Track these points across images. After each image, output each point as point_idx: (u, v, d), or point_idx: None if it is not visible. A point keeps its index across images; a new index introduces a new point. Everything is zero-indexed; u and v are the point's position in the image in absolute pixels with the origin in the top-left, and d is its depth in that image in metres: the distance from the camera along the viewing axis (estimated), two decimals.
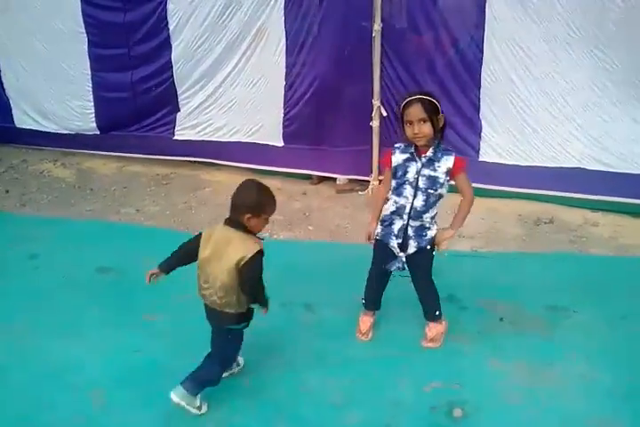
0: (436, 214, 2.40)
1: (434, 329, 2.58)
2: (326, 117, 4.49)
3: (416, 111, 2.19)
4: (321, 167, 4.60)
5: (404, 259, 2.42)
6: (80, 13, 4.57)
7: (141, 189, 4.57)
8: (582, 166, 3.87)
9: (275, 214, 3.95)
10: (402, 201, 2.35)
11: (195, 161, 4.97)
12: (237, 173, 4.78)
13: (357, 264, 2.67)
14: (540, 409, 2.19)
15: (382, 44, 4.08)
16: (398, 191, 2.35)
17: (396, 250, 2.42)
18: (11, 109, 5.20)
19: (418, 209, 2.33)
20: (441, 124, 2.26)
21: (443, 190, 2.32)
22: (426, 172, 2.28)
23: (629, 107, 3.68)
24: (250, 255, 2.01)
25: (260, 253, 2.04)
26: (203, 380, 2.18)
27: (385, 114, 4.25)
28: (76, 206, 4.26)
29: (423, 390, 2.30)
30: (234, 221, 2.08)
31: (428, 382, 2.33)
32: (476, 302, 2.90)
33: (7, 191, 4.54)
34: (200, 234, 2.15)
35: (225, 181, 4.69)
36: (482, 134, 4.10)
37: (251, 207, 2.04)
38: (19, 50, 4.93)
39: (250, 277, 2.04)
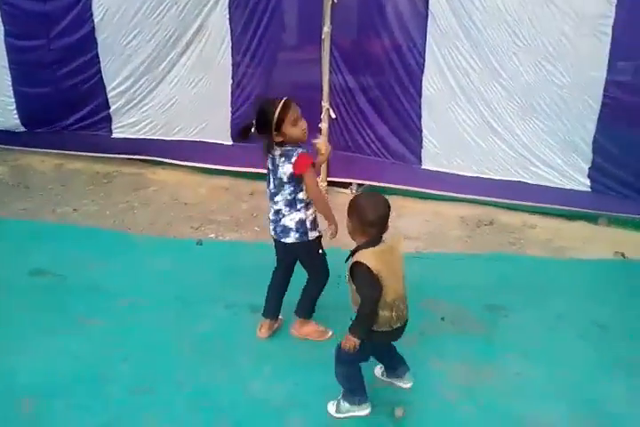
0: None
1: (303, 329, 2.65)
2: None
3: (297, 108, 2.31)
4: None
5: None
6: None
7: (80, 188, 4.40)
8: (523, 180, 3.98)
9: (221, 215, 4.00)
10: None
11: (139, 159, 4.83)
12: (183, 171, 4.70)
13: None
14: (478, 407, 2.24)
15: (331, 47, 4.10)
16: None
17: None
18: None
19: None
20: None
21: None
22: (281, 168, 2.38)
23: (574, 121, 3.71)
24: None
25: None
26: None
27: (334, 116, 4.27)
28: (9, 205, 4.05)
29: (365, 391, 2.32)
30: (380, 238, 2.03)
31: (370, 384, 2.35)
32: (419, 302, 2.94)
33: None
34: (375, 276, 1.92)
35: (170, 181, 4.58)
36: (423, 143, 4.17)
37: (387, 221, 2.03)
38: None
39: None
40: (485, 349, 2.60)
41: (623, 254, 3.50)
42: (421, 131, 4.14)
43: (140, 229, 3.74)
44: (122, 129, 4.69)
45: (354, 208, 1.98)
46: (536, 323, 2.80)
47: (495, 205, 4.12)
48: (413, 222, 3.93)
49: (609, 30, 3.45)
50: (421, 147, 4.20)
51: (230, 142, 4.63)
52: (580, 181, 3.87)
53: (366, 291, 1.93)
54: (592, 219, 3.92)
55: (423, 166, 4.24)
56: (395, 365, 2.31)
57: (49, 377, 2.34)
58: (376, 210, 1.94)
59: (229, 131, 4.59)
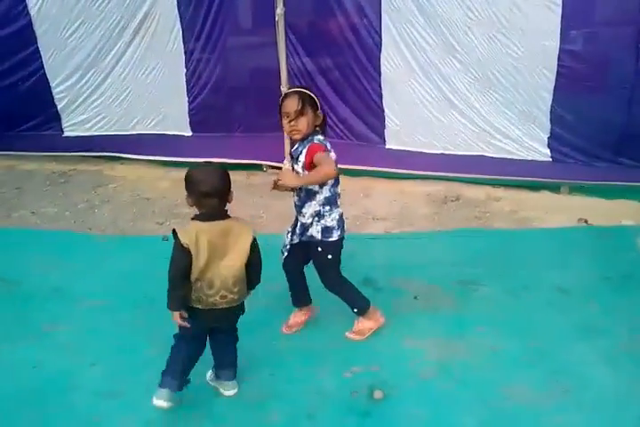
0: (318, 212, 2.29)
1: (359, 323, 2.55)
2: (235, 104, 4.40)
3: (293, 104, 2.15)
4: (234, 155, 4.48)
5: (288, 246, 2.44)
6: None
7: (37, 190, 4.24)
8: (485, 154, 4.01)
9: (186, 208, 3.89)
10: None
11: (95, 156, 4.68)
12: (143, 166, 4.57)
13: (274, 255, 2.60)
14: (454, 382, 2.26)
15: (286, 29, 4.01)
16: None
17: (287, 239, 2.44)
18: None
19: (296, 203, 2.34)
20: (318, 122, 2.22)
21: (312, 186, 2.23)
22: (294, 168, 2.27)
23: (531, 92, 3.73)
24: (254, 235, 1.98)
25: None
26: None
27: None
28: None
29: (344, 376, 2.30)
30: (221, 212, 1.94)
31: (348, 368, 2.34)
32: (391, 282, 2.95)
33: None
34: (183, 248, 1.86)
35: (130, 176, 4.46)
36: (386, 123, 4.14)
37: (226, 192, 1.92)
38: None
39: (260, 257, 2.03)
40: (459, 324, 2.62)
41: (586, 221, 3.57)
42: (383, 110, 4.11)
43: (103, 229, 3.63)
44: (73, 127, 4.52)
45: (186, 179, 1.91)
46: (506, 294, 2.83)
47: (460, 180, 4.14)
48: (381, 203, 3.92)
49: (559, 0, 3.45)
50: (384, 127, 4.18)
51: (190, 133, 4.52)
52: (540, 152, 3.91)
53: (171, 261, 1.91)
54: (554, 188, 3.98)
55: (387, 146, 4.23)
56: (219, 364, 2.20)
57: (11, 388, 2.25)
58: (206, 182, 1.86)
59: (188, 121, 4.48)
